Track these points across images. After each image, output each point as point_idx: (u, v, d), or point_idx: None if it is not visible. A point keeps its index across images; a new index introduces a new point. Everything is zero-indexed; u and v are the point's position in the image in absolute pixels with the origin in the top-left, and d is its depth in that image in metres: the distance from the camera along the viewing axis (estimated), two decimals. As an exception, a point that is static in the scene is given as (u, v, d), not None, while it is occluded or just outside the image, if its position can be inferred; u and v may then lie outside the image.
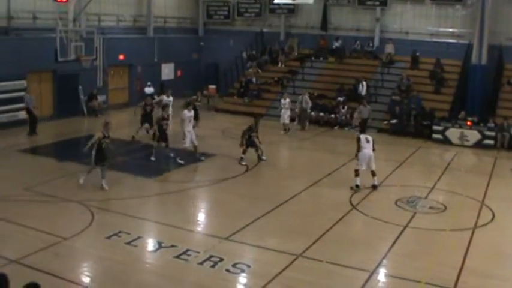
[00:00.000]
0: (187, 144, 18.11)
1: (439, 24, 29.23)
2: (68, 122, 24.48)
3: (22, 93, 22.46)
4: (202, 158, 18.62)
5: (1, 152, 19.15)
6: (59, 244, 11.17)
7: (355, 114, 23.91)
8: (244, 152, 18.42)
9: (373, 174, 15.92)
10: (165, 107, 19.15)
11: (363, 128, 20.59)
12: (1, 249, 10.73)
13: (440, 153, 22.17)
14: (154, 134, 18.30)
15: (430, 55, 28.15)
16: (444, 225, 13.24)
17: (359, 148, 15.85)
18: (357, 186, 15.74)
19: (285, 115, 23.87)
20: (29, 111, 21.53)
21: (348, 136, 21.94)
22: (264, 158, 18.76)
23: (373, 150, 15.94)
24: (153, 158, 18.12)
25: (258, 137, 18.70)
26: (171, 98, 22.26)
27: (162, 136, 17.89)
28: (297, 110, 25.18)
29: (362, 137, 16.06)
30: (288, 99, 24.22)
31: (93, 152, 14.79)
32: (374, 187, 15.89)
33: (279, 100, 24.87)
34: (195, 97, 22.91)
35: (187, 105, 18.67)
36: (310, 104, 25.48)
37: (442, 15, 29.18)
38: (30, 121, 21.57)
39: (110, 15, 28.54)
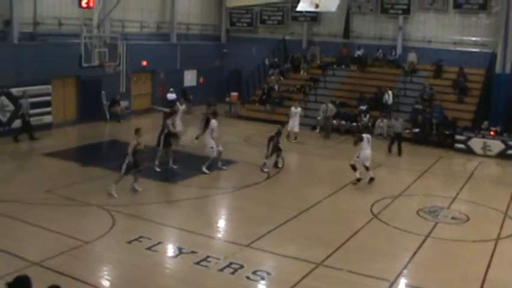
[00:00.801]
0: (215, 153, 17.94)
1: (463, 32, 28.95)
2: (91, 126, 24.72)
3: (48, 98, 22.92)
4: (224, 167, 18.42)
5: (25, 155, 19.43)
6: (80, 248, 11.26)
7: (378, 123, 23.53)
8: (267, 157, 18.34)
9: (368, 168, 17.00)
10: (172, 113, 18.87)
11: (399, 141, 21.41)
12: (23, 251, 10.85)
13: (462, 163, 21.93)
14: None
15: (453, 64, 27.94)
16: (466, 236, 13.09)
17: (357, 143, 16.82)
18: (358, 179, 16.74)
19: (295, 123, 23.54)
20: (23, 117, 21.16)
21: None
22: (279, 165, 18.85)
23: None
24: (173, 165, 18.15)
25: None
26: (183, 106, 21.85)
27: (165, 142, 17.73)
28: (319, 118, 25.21)
29: (365, 137, 16.54)
30: (299, 108, 24.14)
31: (129, 160, 14.63)
32: (372, 179, 17.01)
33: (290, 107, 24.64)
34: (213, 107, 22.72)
35: (214, 115, 18.59)
36: (334, 111, 25.43)
37: (466, 24, 28.90)
38: (25, 128, 21.17)
39: (133, 22, 28.80)
